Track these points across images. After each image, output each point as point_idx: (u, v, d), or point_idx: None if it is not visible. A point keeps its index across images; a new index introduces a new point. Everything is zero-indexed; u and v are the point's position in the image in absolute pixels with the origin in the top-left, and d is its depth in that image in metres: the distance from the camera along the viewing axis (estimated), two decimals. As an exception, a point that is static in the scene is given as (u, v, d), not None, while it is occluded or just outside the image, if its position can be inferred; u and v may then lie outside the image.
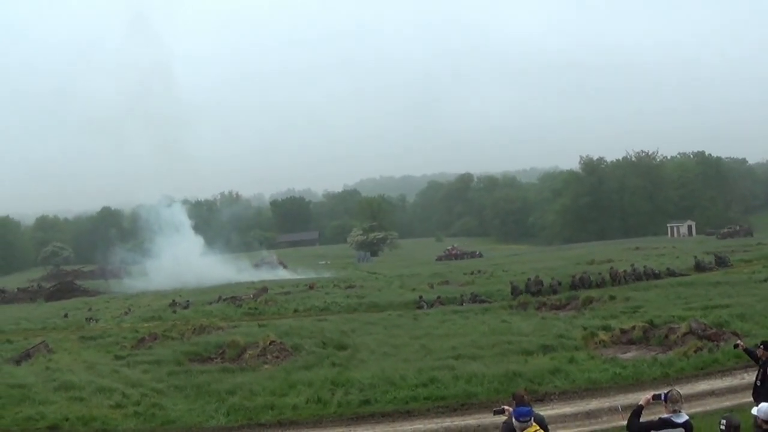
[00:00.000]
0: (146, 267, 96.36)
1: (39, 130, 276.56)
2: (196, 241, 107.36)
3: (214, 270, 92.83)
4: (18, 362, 30.84)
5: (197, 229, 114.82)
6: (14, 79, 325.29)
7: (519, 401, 10.53)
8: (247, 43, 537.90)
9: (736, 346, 13.02)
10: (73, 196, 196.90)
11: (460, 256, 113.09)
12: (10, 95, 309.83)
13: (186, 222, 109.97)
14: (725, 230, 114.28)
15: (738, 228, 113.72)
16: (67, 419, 20.96)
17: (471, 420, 19.16)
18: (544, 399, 20.03)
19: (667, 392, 9.76)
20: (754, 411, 10.12)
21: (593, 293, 41.12)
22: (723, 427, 9.19)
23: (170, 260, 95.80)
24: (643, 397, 10.12)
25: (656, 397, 9.87)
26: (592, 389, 20.81)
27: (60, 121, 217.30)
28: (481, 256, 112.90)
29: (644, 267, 51.67)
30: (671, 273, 49.59)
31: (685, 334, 25.08)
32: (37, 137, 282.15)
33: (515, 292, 45.68)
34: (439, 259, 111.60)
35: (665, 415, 9.62)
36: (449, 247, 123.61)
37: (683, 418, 9.53)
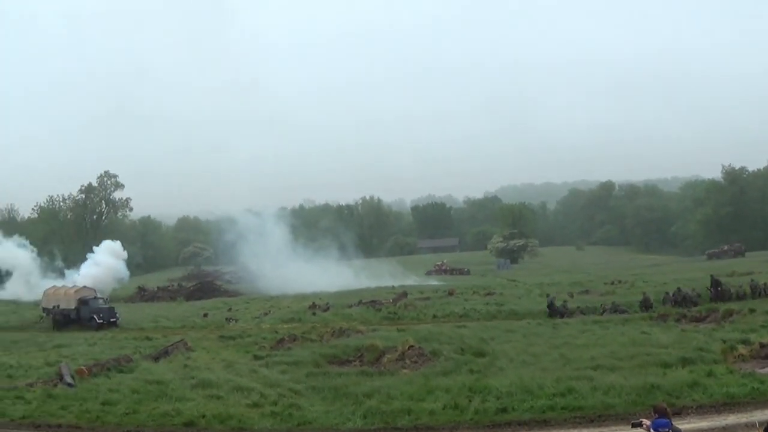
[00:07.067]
0: (282, 269, 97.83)
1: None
2: (331, 245, 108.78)
3: (348, 274, 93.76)
4: (156, 359, 31.78)
5: (338, 232, 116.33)
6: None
7: (661, 413, 10.65)
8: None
9: None
10: (219, 198, 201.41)
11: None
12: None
13: (326, 226, 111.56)
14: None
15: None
16: (203, 416, 21.47)
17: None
18: (681, 413, 19.56)
19: None
20: None
21: (733, 306, 40.08)
22: None
23: (307, 263, 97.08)
24: None
25: None
26: (730, 404, 20.47)
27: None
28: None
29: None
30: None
31: (825, 350, 23.93)
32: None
33: (646, 304, 44.76)
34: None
35: None
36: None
37: None
